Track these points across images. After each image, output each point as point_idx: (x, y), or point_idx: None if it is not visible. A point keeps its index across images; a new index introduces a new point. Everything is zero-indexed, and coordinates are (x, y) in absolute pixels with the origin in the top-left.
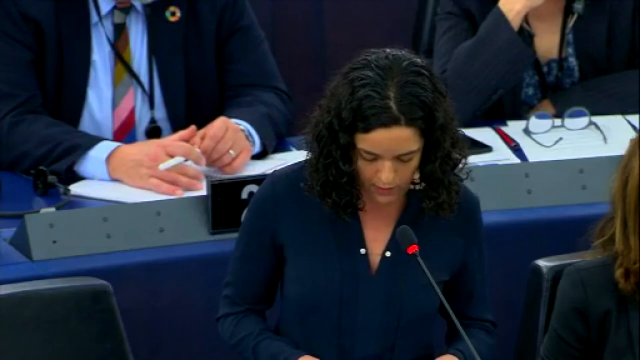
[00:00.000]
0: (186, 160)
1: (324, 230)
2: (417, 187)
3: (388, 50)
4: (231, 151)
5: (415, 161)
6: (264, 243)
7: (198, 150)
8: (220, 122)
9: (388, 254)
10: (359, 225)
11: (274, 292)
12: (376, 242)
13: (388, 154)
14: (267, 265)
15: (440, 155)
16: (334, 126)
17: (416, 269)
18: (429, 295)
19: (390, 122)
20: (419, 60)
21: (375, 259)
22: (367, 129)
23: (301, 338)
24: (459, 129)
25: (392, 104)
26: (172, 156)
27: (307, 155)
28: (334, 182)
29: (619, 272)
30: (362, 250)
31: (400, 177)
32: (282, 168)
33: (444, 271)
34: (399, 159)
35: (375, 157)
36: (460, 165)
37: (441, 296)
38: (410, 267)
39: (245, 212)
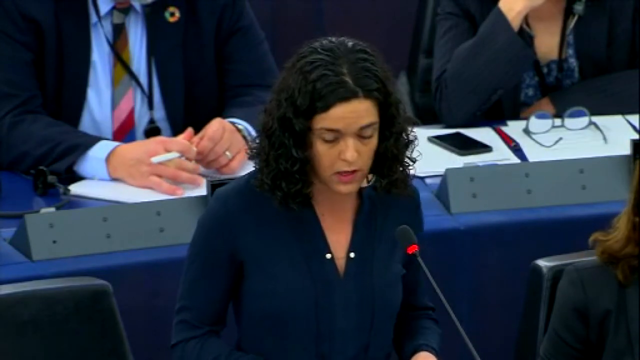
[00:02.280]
0: (182, 157)
1: (286, 240)
2: (370, 180)
3: (329, 38)
4: (227, 152)
5: (374, 139)
6: (221, 262)
7: (195, 148)
8: (217, 124)
9: (352, 255)
10: (320, 230)
11: (226, 312)
12: (339, 245)
13: (350, 128)
14: (224, 284)
15: (395, 131)
16: (287, 115)
17: (381, 267)
18: (396, 292)
19: (349, 95)
20: (362, 43)
21: (341, 262)
22: (326, 107)
23: (276, 351)
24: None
25: (347, 78)
26: (169, 152)
27: (255, 163)
28: (284, 171)
29: (599, 250)
30: (328, 255)
31: (362, 159)
32: (226, 186)
33: (401, 265)
34: (360, 136)
35: (336, 137)
36: (411, 146)
37: (441, 295)
38: (376, 265)
39: (194, 235)
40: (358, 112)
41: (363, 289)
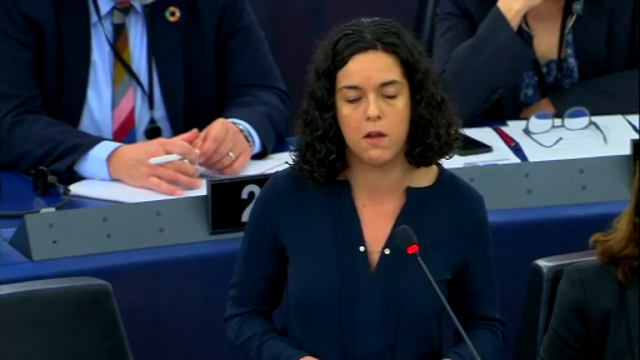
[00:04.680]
0: (183, 159)
1: (323, 229)
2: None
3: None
4: (231, 153)
5: (400, 101)
6: (265, 243)
7: (197, 151)
8: (220, 124)
9: (387, 251)
10: (358, 223)
11: (279, 293)
12: (375, 240)
13: (369, 83)
14: (270, 266)
15: (425, 95)
16: (313, 86)
17: (416, 268)
18: (430, 294)
19: (366, 46)
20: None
21: (374, 257)
22: (344, 61)
23: (304, 337)
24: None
25: (366, 34)
26: (169, 154)
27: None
28: (310, 142)
29: (599, 250)
30: (361, 248)
31: (388, 122)
32: (284, 169)
33: (445, 269)
34: (383, 95)
35: (359, 95)
36: (452, 128)
37: (441, 296)
38: (410, 265)
39: (249, 213)
40: (376, 65)
41: (391, 287)
